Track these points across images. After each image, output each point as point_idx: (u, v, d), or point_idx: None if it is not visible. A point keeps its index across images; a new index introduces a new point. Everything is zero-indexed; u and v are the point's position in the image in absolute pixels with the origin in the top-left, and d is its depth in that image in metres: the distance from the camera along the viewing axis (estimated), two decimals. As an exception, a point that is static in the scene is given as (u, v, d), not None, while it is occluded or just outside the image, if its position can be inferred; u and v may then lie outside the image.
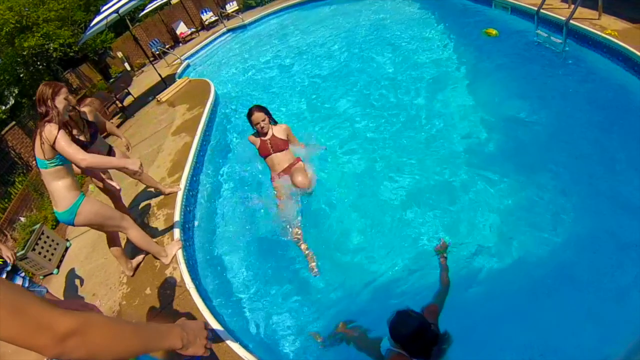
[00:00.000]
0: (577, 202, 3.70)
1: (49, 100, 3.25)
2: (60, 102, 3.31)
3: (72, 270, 4.95)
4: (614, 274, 3.08)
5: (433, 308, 2.75)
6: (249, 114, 4.48)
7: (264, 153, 4.56)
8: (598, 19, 5.48)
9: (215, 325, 3.29)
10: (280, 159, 4.52)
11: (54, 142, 3.11)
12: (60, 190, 3.32)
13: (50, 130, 3.12)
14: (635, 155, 3.80)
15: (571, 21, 5.37)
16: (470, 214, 4.00)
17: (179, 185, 5.16)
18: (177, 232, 4.44)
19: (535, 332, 2.91)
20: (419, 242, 3.86)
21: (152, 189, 5.35)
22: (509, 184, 4.15)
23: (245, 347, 3.06)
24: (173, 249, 4.14)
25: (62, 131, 3.16)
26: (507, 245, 3.60)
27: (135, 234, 3.80)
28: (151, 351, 1.21)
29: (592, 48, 5.27)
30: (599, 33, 5.12)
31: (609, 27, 5.21)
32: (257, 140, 4.58)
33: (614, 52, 4.88)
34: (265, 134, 4.51)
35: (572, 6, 5.61)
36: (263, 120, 4.40)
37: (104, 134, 4.85)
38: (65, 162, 3.28)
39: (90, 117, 4.19)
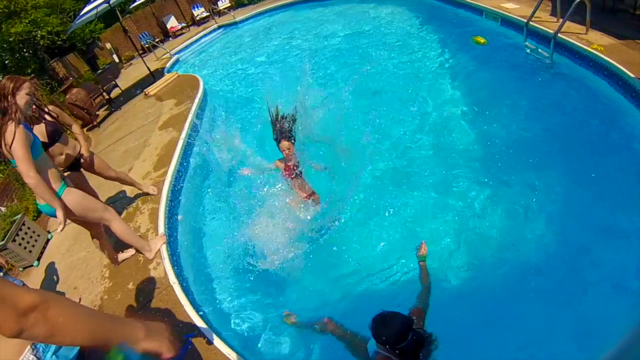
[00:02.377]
0: (560, 206, 3.82)
1: (9, 96, 3.06)
2: (21, 97, 3.14)
3: (52, 263, 4.86)
4: (599, 275, 3.18)
5: (417, 311, 2.78)
6: (278, 141, 4.46)
7: (289, 176, 4.58)
8: (585, 33, 5.62)
9: (198, 321, 3.28)
10: (303, 184, 4.57)
11: (11, 147, 2.96)
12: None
13: (10, 131, 2.96)
14: (615, 166, 3.90)
15: (559, 34, 5.49)
16: (455, 218, 4.08)
17: (155, 188, 5.10)
18: (161, 227, 4.41)
19: (523, 333, 2.98)
20: (403, 245, 3.91)
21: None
22: (493, 187, 4.24)
23: (228, 344, 3.06)
24: (157, 243, 4.12)
25: (20, 136, 2.96)
26: (494, 249, 3.68)
27: (118, 226, 3.75)
28: (112, 339, 1.20)
29: (579, 62, 5.39)
30: (585, 47, 5.25)
31: (595, 42, 5.34)
32: (282, 165, 4.58)
33: (599, 66, 5.00)
34: (290, 160, 4.52)
35: (561, 20, 5.76)
36: (288, 149, 4.40)
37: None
38: (38, 155, 3.17)
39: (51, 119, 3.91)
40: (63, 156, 3.98)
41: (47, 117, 3.81)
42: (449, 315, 3.04)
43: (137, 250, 4.12)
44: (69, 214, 3.40)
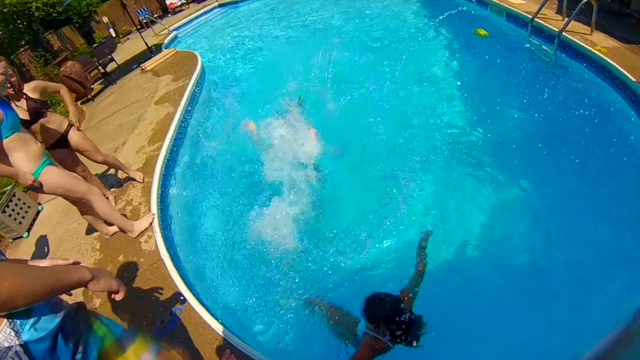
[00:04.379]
0: (557, 208, 3.77)
1: None
2: None
3: (43, 235, 4.80)
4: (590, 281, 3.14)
5: (404, 292, 2.74)
6: None
7: None
8: (590, 34, 5.53)
9: (187, 295, 3.24)
10: None
11: None
12: (19, 161, 3.17)
13: None
14: (613, 168, 3.86)
15: (563, 33, 5.42)
16: (455, 211, 4.05)
17: (141, 175, 4.93)
18: (154, 201, 4.35)
19: (514, 327, 2.96)
20: (403, 231, 3.88)
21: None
22: (490, 183, 4.21)
23: (218, 319, 3.03)
24: (143, 224, 4.03)
25: None
26: (491, 243, 3.66)
27: (102, 206, 3.68)
28: (63, 287, 1.27)
29: (581, 62, 5.31)
30: (589, 48, 5.16)
31: (599, 44, 5.26)
32: None
33: (602, 68, 4.93)
34: None
35: (566, 19, 5.71)
36: None
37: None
38: (17, 129, 3.11)
39: (34, 95, 3.81)
40: (47, 133, 3.88)
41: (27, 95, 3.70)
42: (443, 307, 3.00)
43: (121, 230, 4.04)
44: (49, 192, 3.38)
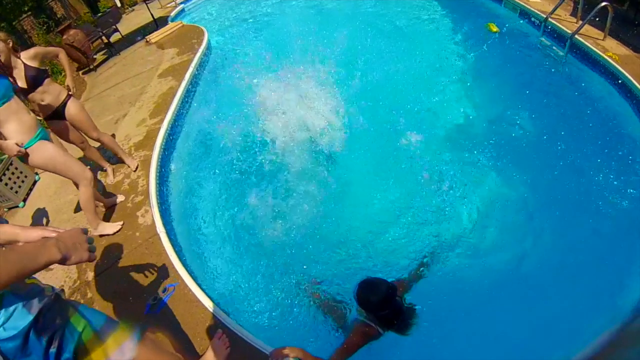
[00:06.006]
0: (551, 206, 3.75)
1: None
2: None
3: (39, 205, 4.76)
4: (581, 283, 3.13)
5: (400, 283, 2.74)
6: None
7: None
8: (602, 39, 5.46)
9: (182, 272, 3.24)
10: None
11: None
12: (11, 133, 3.10)
13: None
14: (615, 173, 3.83)
15: (576, 36, 5.34)
16: (454, 210, 4.00)
17: (135, 163, 4.69)
18: (152, 175, 4.31)
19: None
20: (404, 231, 3.84)
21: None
22: (488, 180, 4.20)
23: (211, 297, 3.03)
24: (108, 229, 3.84)
25: None
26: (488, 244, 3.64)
27: (85, 193, 3.52)
28: (32, 269, 1.21)
29: (591, 66, 5.25)
30: (600, 53, 5.10)
31: (611, 50, 5.20)
32: None
33: (611, 75, 4.88)
34: None
35: (580, 21, 5.63)
36: None
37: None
38: (8, 99, 3.03)
39: (34, 63, 3.65)
40: (44, 103, 3.79)
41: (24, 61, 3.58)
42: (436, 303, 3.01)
43: (89, 224, 3.80)
44: (39, 167, 3.32)
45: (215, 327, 2.79)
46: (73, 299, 3.30)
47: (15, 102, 3.10)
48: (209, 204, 4.27)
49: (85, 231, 1.45)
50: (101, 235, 3.80)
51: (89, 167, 3.71)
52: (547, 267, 3.32)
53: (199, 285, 3.13)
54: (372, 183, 4.27)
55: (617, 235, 3.36)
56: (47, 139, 3.33)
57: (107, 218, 4.10)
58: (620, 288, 3.00)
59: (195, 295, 3.06)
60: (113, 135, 5.32)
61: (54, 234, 1.52)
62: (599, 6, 5.01)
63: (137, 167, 4.65)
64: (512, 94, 5.27)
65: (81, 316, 1.50)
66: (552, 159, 4.17)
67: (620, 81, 4.72)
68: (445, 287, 3.21)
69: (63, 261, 1.30)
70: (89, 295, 3.31)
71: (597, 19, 5.30)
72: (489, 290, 3.22)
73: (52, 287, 1.52)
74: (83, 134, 4.28)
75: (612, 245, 3.30)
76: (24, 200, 4.96)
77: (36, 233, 1.58)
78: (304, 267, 3.51)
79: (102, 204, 4.16)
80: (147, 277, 3.31)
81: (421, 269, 3.08)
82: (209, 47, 7.89)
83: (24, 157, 3.19)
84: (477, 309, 3.03)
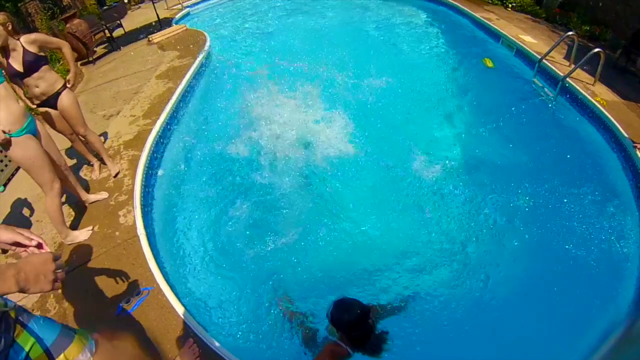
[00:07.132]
0: (535, 243, 3.81)
1: None
2: None
3: (20, 191, 4.67)
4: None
5: (373, 307, 2.75)
6: None
7: None
8: (593, 84, 5.66)
9: (158, 277, 3.20)
10: None
11: None
12: None
13: None
14: (592, 214, 3.94)
15: (568, 79, 5.53)
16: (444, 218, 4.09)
17: (118, 168, 4.59)
18: (139, 175, 4.29)
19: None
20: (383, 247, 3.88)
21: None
22: (471, 200, 4.27)
23: (184, 305, 3.00)
24: (79, 236, 3.75)
25: None
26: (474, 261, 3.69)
27: (50, 204, 3.41)
28: None
29: (580, 110, 5.42)
30: (589, 98, 5.27)
31: (600, 95, 5.38)
32: None
33: (598, 119, 5.05)
34: None
35: (572, 65, 5.85)
36: None
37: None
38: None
39: (32, 49, 3.57)
40: (38, 89, 3.77)
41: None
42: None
43: (58, 234, 3.74)
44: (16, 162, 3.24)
45: (186, 336, 2.76)
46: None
47: (4, 88, 3.00)
48: (193, 211, 4.24)
49: (56, 258, 1.35)
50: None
51: (70, 166, 3.66)
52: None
53: (174, 292, 3.10)
54: (359, 207, 4.29)
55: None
56: (35, 132, 3.23)
57: (87, 211, 4.06)
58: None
59: (169, 302, 3.03)
60: (103, 135, 5.30)
61: (26, 242, 1.46)
62: (592, 52, 5.22)
63: (117, 174, 4.53)
64: (501, 129, 5.37)
65: (29, 334, 1.40)
66: (534, 193, 4.26)
67: (606, 126, 4.88)
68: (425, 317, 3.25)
69: (22, 291, 1.23)
70: (59, 292, 3.23)
71: (588, 64, 5.50)
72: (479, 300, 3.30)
73: (6, 302, 1.39)
74: (71, 127, 4.22)
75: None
76: (5, 185, 4.86)
77: (7, 235, 1.48)
78: (280, 280, 3.51)
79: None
80: (122, 278, 3.26)
81: (396, 310, 3.10)
82: (209, 54, 7.93)
83: (5, 145, 3.09)
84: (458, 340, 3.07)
